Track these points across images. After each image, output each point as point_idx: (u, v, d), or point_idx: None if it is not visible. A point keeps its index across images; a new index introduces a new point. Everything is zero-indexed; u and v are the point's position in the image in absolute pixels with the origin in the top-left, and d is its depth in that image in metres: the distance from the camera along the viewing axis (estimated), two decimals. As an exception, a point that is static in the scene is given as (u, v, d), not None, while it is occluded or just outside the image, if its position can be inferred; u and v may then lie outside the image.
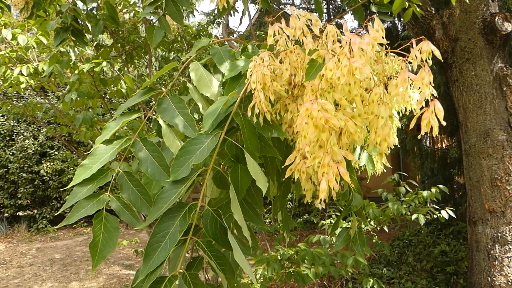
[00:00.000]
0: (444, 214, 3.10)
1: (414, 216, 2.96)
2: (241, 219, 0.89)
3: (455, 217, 3.20)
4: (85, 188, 0.87)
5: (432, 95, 0.87)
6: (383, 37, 0.89)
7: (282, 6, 9.58)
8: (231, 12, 4.65)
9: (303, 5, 10.09)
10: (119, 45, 3.57)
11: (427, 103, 0.87)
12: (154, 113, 1.09)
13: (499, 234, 3.44)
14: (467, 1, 1.70)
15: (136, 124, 2.59)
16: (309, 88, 0.88)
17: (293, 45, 1.04)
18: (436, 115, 0.84)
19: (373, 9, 1.67)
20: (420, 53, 0.91)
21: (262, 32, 5.47)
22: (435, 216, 3.16)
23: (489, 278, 3.47)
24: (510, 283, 3.35)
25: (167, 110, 1.00)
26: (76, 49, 2.40)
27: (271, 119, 0.99)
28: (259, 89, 0.96)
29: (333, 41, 0.99)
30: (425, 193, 3.02)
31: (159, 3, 1.46)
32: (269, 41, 1.00)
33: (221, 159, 1.06)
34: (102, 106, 2.87)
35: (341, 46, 0.90)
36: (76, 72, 2.27)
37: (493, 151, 3.47)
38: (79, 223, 9.80)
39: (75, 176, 0.88)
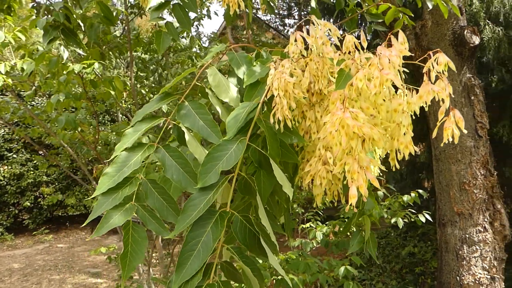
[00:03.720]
0: (422, 217, 3.24)
1: (393, 220, 3.06)
2: (268, 224, 0.89)
3: (431, 220, 3.34)
4: (111, 198, 0.84)
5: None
6: (406, 49, 0.92)
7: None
8: (209, 15, 4.64)
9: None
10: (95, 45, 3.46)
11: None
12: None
13: (467, 235, 3.63)
14: (445, 15, 1.80)
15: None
16: (335, 96, 0.89)
17: (309, 53, 1.06)
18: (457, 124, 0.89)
19: (367, 18, 1.74)
20: (437, 64, 0.96)
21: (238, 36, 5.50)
22: (412, 220, 3.28)
23: (457, 277, 3.64)
24: (477, 282, 3.54)
25: (187, 116, 0.98)
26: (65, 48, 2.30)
27: (291, 125, 1.00)
28: (281, 95, 0.97)
29: (350, 51, 1.02)
30: (405, 198, 3.14)
31: (167, 8, 1.43)
32: (291, 49, 1.01)
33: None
34: (86, 108, 2.77)
35: (367, 58, 0.93)
36: (65, 72, 2.17)
37: (461, 156, 3.66)
38: (39, 230, 9.32)
39: (99, 185, 0.84)
